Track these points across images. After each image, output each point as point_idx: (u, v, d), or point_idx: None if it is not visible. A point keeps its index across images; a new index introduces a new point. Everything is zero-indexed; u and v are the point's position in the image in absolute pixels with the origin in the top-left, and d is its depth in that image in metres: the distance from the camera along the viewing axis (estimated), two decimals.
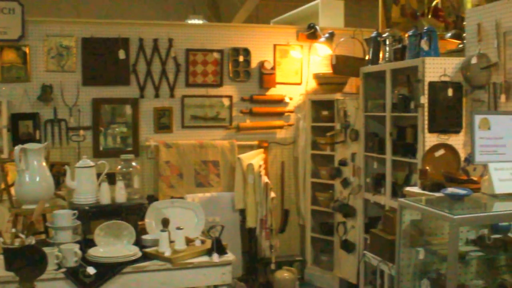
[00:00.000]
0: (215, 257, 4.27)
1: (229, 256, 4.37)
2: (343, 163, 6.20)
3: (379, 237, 4.11)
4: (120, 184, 4.54)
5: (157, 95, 6.43)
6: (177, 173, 6.32)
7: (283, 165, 6.86)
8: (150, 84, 6.40)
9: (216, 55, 6.55)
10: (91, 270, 3.79)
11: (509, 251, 3.26)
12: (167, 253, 4.14)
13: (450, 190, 3.35)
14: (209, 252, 4.33)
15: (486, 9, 4.97)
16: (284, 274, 6.33)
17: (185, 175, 6.36)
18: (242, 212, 6.19)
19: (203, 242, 4.50)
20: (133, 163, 4.76)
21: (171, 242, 4.26)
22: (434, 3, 6.19)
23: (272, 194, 6.02)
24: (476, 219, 2.97)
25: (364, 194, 5.95)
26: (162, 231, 4.23)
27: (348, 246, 6.08)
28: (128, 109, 6.36)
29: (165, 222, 4.39)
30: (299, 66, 6.84)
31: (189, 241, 4.44)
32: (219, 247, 4.38)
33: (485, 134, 3.35)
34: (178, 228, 4.30)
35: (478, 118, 3.33)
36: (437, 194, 3.88)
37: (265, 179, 6.02)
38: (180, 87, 6.49)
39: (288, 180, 6.93)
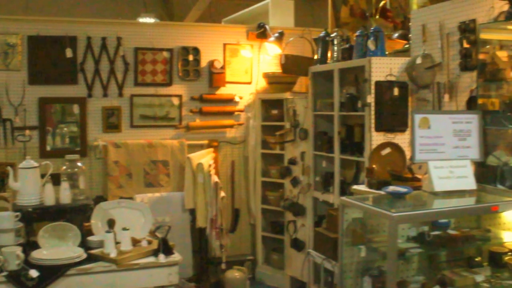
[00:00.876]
0: (162, 258, 4.23)
1: (176, 257, 4.33)
2: (292, 162, 6.23)
3: (323, 236, 4.14)
4: (64, 185, 4.47)
5: (105, 94, 6.33)
6: (126, 173, 6.24)
7: (233, 165, 6.85)
8: (98, 83, 6.30)
9: (165, 54, 6.50)
10: (33, 273, 3.71)
11: (448, 247, 3.33)
12: (112, 255, 4.09)
13: (391, 188, 3.40)
14: (155, 253, 4.29)
15: (430, 11, 5.06)
16: (234, 274, 6.32)
17: (134, 175, 6.27)
18: (192, 212, 6.15)
19: (150, 242, 4.45)
20: (79, 164, 4.68)
21: (117, 243, 4.20)
22: (381, 3, 6.26)
23: (222, 194, 6.01)
24: (414, 217, 3.02)
25: (313, 192, 5.99)
26: (107, 232, 4.17)
27: (298, 245, 6.10)
28: (76, 109, 6.25)
29: (111, 223, 4.34)
30: (249, 65, 6.84)
31: (135, 242, 4.39)
32: (165, 248, 4.34)
33: (425, 133, 3.41)
34: (124, 229, 4.25)
35: (418, 118, 3.38)
36: (383, 192, 3.93)
37: (215, 178, 6.00)
38: (129, 86, 6.41)
39: (239, 179, 6.92)
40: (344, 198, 3.36)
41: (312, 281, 5.26)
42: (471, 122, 3.54)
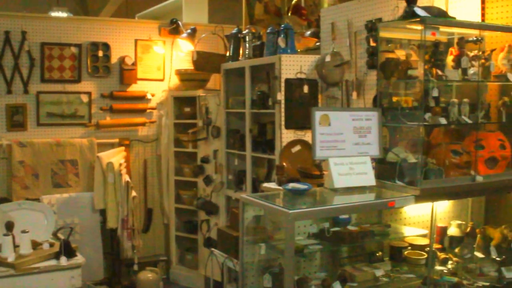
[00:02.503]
0: (63, 260, 4.10)
1: (79, 259, 4.21)
2: (205, 160, 6.17)
3: (225, 234, 4.11)
4: None
5: (9, 91, 6.05)
6: (32, 174, 6.00)
7: (145, 163, 6.73)
8: (1, 79, 6.01)
9: (73, 49, 6.29)
10: None
11: (347, 243, 3.36)
12: (10, 259, 3.93)
13: (291, 185, 3.40)
14: (57, 256, 4.15)
15: (339, 9, 5.12)
16: (147, 275, 6.20)
17: (41, 175, 6.04)
18: (103, 213, 5.99)
19: (52, 245, 4.30)
20: None
21: (16, 246, 4.04)
22: (294, 1, 6.29)
23: (134, 193, 5.88)
24: (311, 213, 3.02)
25: (226, 191, 5.95)
26: (4, 235, 4.00)
27: (211, 244, 6.03)
28: None
29: (9, 226, 4.16)
30: (161, 62, 6.73)
31: (36, 245, 4.24)
32: (67, 250, 4.21)
33: (325, 130, 3.41)
34: (23, 232, 4.09)
35: (318, 115, 3.38)
36: None
37: (126, 177, 5.87)
38: (35, 82, 6.16)
39: (151, 178, 6.80)
40: (243, 195, 3.33)
41: (223, 281, 5.22)
42: (371, 119, 3.57)
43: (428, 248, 3.58)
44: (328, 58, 5.01)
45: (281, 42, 5.21)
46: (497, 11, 4.05)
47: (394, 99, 3.75)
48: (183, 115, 6.57)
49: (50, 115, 6.23)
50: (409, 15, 3.47)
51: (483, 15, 4.14)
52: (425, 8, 3.49)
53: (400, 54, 3.73)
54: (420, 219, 3.96)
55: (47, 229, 4.47)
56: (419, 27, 3.40)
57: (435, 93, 3.49)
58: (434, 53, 3.63)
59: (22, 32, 6.05)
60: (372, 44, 4.65)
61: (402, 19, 3.54)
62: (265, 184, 4.75)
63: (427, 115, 3.51)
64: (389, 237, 3.64)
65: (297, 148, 4.94)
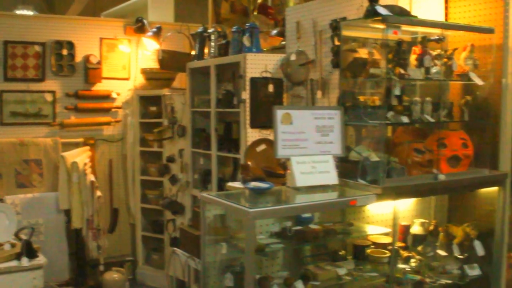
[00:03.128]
0: (25, 261, 4.03)
1: (41, 260, 4.14)
2: (171, 159, 6.12)
3: (187, 233, 4.08)
4: None
5: None
6: None
7: (111, 163, 6.65)
8: None
9: (37, 48, 6.19)
10: None
11: (310, 241, 3.35)
12: None
13: (253, 184, 3.38)
14: (18, 256, 4.07)
15: (304, 8, 5.10)
16: (113, 276, 6.14)
17: (4, 175, 5.93)
18: (68, 213, 5.90)
19: (13, 246, 4.22)
20: None
21: None
22: (260, 0, 6.28)
23: (99, 193, 5.80)
24: (271, 212, 3.01)
25: (192, 190, 5.91)
26: None
27: (177, 244, 5.99)
28: None
29: None
30: (127, 61, 6.66)
31: None
32: (29, 250, 4.13)
33: (287, 128, 3.40)
34: None
35: (280, 113, 3.37)
36: None
37: (91, 177, 5.79)
38: None
39: (117, 178, 6.73)
40: (204, 194, 3.31)
41: (188, 280, 5.19)
42: (333, 117, 3.57)
43: (391, 247, 3.59)
44: (293, 57, 5.00)
45: (246, 41, 5.19)
46: (460, 11, 4.09)
47: (359, 98, 3.75)
48: (148, 114, 6.51)
49: (13, 114, 6.12)
50: (371, 13, 3.47)
51: (446, 14, 4.18)
52: (387, 7, 3.50)
53: (363, 53, 3.73)
54: (383, 218, 3.97)
55: (8, 229, 4.39)
56: (381, 26, 3.40)
57: (397, 91, 3.50)
58: (397, 52, 3.63)
59: None
60: (337, 43, 4.65)
61: (364, 17, 3.54)
62: (230, 183, 4.71)
63: (390, 114, 3.53)
64: (352, 235, 3.65)
65: (262, 147, 4.92)
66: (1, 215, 4.50)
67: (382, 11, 3.41)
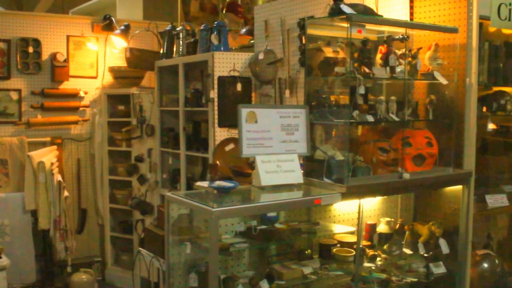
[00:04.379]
0: None
1: (4, 261, 4.06)
2: (139, 159, 6.08)
3: (152, 233, 4.05)
4: None
5: None
6: None
7: (79, 162, 6.58)
8: None
9: (2, 45, 6.10)
10: None
11: (274, 240, 3.34)
12: None
13: (217, 183, 3.36)
14: None
15: (272, 6, 5.10)
16: (81, 277, 6.07)
17: None
18: (34, 213, 5.82)
19: None
20: None
21: None
22: None
23: (66, 193, 5.73)
24: (235, 211, 2.98)
25: (161, 190, 5.87)
26: None
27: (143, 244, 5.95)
28: None
29: None
30: (94, 59, 6.59)
31: None
32: None
33: (252, 127, 3.38)
34: None
35: (244, 112, 3.35)
36: None
37: (58, 177, 5.72)
38: None
39: (85, 178, 6.66)
40: (168, 193, 3.28)
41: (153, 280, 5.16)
42: (299, 116, 3.56)
43: (356, 246, 3.60)
44: (261, 56, 4.99)
45: (214, 40, 5.16)
46: (425, 10, 4.11)
47: (324, 96, 3.75)
48: (117, 113, 6.45)
49: None
50: (336, 12, 3.47)
51: (411, 14, 4.20)
52: (351, 6, 3.50)
53: (328, 51, 3.73)
54: (349, 217, 3.98)
55: None
56: (345, 24, 3.40)
57: (361, 90, 3.50)
58: (362, 51, 3.64)
59: None
60: (304, 41, 4.66)
61: (329, 16, 3.54)
62: (198, 183, 4.66)
63: (355, 113, 3.53)
64: (318, 234, 3.64)
65: (230, 146, 4.91)
66: None
67: (347, 9, 3.41)
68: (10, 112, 6.18)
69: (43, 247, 6.09)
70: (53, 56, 6.32)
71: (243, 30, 5.85)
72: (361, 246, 3.64)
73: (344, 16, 3.38)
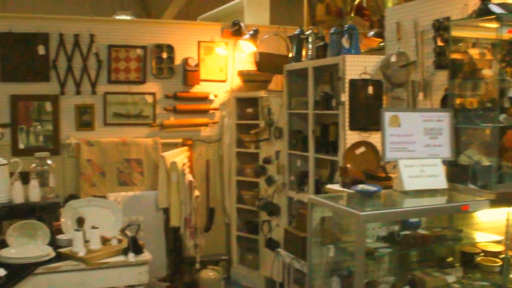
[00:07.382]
0: (131, 257, 4.16)
1: (146, 256, 4.27)
2: (267, 161, 6.17)
3: (292, 235, 4.09)
4: (33, 183, 4.39)
5: (78, 92, 6.23)
6: (99, 172, 6.15)
7: (208, 163, 6.78)
8: (71, 80, 6.19)
9: (139, 51, 6.41)
10: (1, 272, 3.66)
11: (418, 247, 3.28)
12: (81, 253, 4.02)
13: (361, 186, 3.36)
14: (125, 252, 4.21)
15: (404, 8, 5.03)
16: (209, 274, 6.25)
17: (107, 173, 6.19)
18: (166, 211, 6.07)
19: (120, 241, 4.38)
20: (48, 161, 4.62)
21: (86, 241, 4.13)
22: (357, 1, 6.22)
23: (196, 193, 5.93)
24: (382, 216, 2.97)
25: (288, 192, 5.94)
26: (76, 230, 4.10)
27: (272, 245, 6.04)
28: (48, 106, 6.14)
29: (80, 221, 4.25)
30: (224, 63, 6.77)
31: (105, 241, 4.32)
32: (135, 246, 4.27)
33: (395, 131, 3.35)
34: (93, 227, 4.18)
35: (388, 115, 3.33)
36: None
37: (189, 177, 5.93)
38: (102, 83, 6.31)
39: (214, 178, 6.85)
40: (313, 196, 3.31)
41: (288, 282, 5.21)
42: (443, 120, 3.49)
43: (503, 255, 3.46)
44: (393, 59, 4.93)
45: (345, 43, 5.16)
46: None
47: (473, 100, 3.64)
48: (245, 116, 6.59)
49: (116, 115, 6.37)
50: (483, 12, 3.37)
51: None
52: (500, 5, 3.38)
53: (474, 53, 3.62)
54: (493, 225, 3.82)
55: (115, 225, 4.53)
56: (493, 25, 3.29)
57: (510, 93, 3.37)
58: (509, 52, 3.51)
59: (90, 35, 6.21)
60: (440, 43, 4.55)
61: (476, 16, 3.44)
62: (329, 186, 4.71)
63: (502, 117, 3.41)
64: (462, 242, 3.54)
65: (361, 149, 4.88)
66: (107, 211, 4.64)
67: (496, 9, 3.30)
68: (145, 114, 6.49)
69: (173, 244, 6.33)
70: (185, 61, 6.56)
71: (371, 33, 5.80)
72: (508, 255, 3.50)
73: (493, 16, 3.28)
